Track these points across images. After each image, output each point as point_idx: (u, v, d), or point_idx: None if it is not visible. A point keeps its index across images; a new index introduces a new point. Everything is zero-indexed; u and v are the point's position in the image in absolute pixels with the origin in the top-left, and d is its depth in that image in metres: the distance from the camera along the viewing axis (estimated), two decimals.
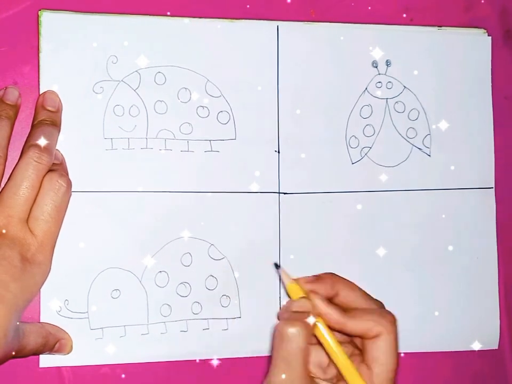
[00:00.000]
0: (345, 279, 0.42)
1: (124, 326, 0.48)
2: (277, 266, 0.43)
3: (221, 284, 0.50)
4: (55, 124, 0.46)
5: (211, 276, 0.50)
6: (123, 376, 0.48)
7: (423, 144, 0.53)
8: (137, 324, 0.48)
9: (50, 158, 0.44)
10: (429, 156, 0.53)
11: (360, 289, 0.43)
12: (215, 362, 0.46)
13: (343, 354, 0.40)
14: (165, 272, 0.49)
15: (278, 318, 0.41)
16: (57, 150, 0.46)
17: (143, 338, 0.48)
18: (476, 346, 0.53)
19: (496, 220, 0.54)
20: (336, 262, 0.51)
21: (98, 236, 0.48)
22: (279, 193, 0.51)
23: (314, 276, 0.42)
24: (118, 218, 0.48)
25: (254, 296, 0.50)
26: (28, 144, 0.44)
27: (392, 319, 0.41)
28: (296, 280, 0.41)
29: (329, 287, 0.42)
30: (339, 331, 0.41)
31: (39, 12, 0.47)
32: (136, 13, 0.49)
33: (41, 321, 0.47)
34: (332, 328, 0.41)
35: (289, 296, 0.42)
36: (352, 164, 0.52)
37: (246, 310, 0.50)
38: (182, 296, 0.49)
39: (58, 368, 0.47)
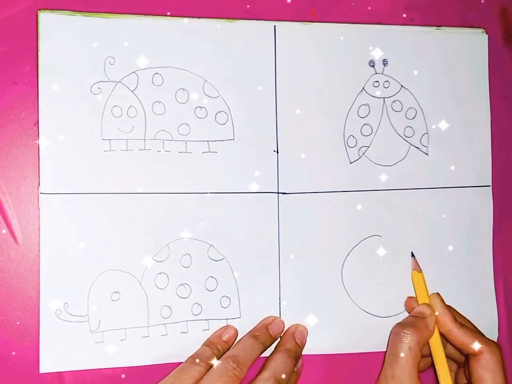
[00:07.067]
0: None
1: (125, 329, 0.48)
2: (412, 254, 0.51)
3: (221, 284, 0.50)
4: (297, 358, 0.48)
5: (211, 276, 0.50)
6: (123, 376, 0.48)
7: (420, 143, 0.53)
8: (138, 327, 0.48)
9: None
10: (427, 154, 0.53)
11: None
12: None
13: (445, 366, 0.46)
14: (165, 273, 0.49)
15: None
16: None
17: (143, 340, 0.48)
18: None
19: (493, 218, 0.54)
20: (335, 261, 0.51)
21: (97, 237, 0.48)
22: (278, 193, 0.51)
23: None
24: (117, 220, 0.48)
25: (254, 297, 0.50)
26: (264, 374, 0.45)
27: (497, 345, 0.46)
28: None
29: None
30: (445, 336, 0.47)
31: (38, 12, 0.47)
32: (134, 13, 0.48)
33: (40, 324, 0.46)
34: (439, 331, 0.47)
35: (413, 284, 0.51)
36: (350, 163, 0.52)
37: (246, 310, 0.50)
38: (182, 298, 0.49)
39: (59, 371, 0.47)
